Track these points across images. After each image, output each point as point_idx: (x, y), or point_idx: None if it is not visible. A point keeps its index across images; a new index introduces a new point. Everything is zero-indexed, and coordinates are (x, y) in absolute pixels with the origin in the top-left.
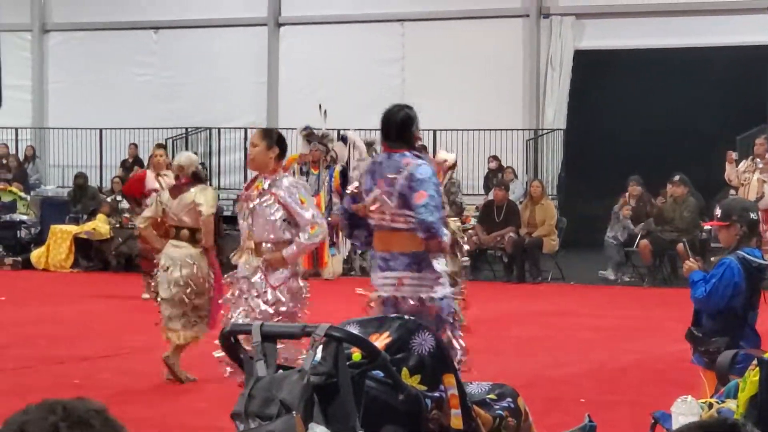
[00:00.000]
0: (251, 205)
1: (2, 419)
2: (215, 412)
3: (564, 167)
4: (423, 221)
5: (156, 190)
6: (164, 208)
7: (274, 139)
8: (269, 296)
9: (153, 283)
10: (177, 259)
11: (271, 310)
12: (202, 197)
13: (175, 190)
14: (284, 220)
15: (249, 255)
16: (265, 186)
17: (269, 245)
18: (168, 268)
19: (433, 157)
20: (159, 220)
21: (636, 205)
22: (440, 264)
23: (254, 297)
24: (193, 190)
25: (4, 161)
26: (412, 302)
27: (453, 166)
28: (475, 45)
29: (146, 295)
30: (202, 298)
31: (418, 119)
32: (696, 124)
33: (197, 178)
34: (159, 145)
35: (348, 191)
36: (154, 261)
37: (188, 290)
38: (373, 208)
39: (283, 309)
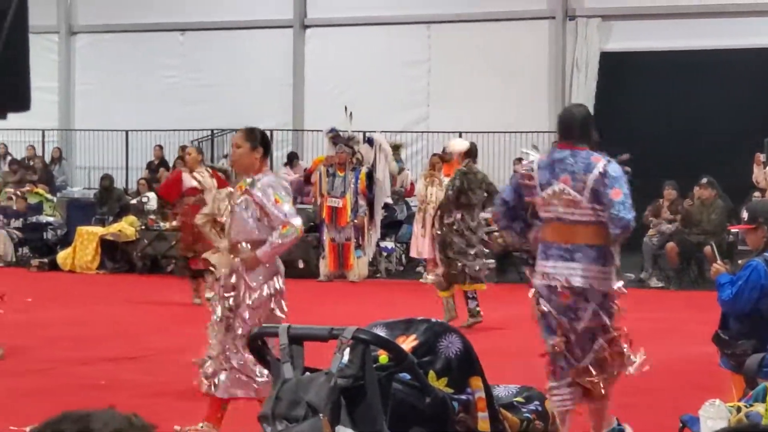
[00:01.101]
0: (230, 206)
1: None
2: (241, 414)
3: None
4: (622, 218)
5: (194, 189)
6: (220, 205)
7: (257, 139)
8: (248, 298)
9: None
10: (223, 266)
11: (246, 314)
12: None
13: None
14: (259, 220)
15: (225, 255)
16: (248, 186)
17: (246, 245)
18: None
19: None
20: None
21: (670, 209)
22: (618, 257)
23: (234, 298)
24: None
25: (31, 163)
26: (597, 293)
27: (470, 154)
28: (501, 47)
29: (198, 300)
30: None
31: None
32: (723, 126)
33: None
34: (181, 146)
35: (513, 185)
36: (201, 262)
37: None
38: (555, 201)
39: (264, 311)
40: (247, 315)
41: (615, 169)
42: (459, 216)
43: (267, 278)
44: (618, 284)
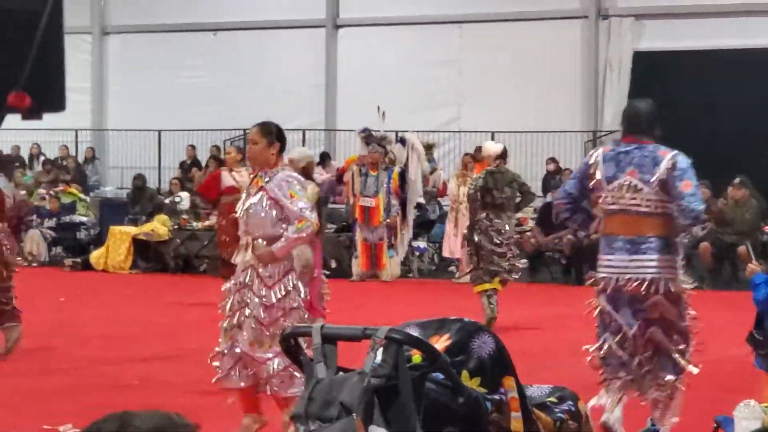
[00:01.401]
0: (248, 202)
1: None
2: (277, 413)
3: None
4: (693, 209)
5: (232, 188)
6: None
7: (274, 134)
8: (264, 295)
9: None
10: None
11: (262, 313)
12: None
13: None
14: (276, 215)
15: (243, 252)
16: (264, 182)
17: (263, 241)
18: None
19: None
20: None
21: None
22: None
23: (250, 296)
24: None
25: (64, 163)
26: (663, 285)
27: (502, 155)
28: (533, 46)
29: None
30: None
31: None
32: (758, 125)
33: (306, 174)
34: (213, 146)
35: (574, 181)
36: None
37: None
38: (621, 194)
39: (278, 309)
40: (261, 312)
41: (684, 161)
42: (484, 215)
43: (282, 275)
44: (683, 277)
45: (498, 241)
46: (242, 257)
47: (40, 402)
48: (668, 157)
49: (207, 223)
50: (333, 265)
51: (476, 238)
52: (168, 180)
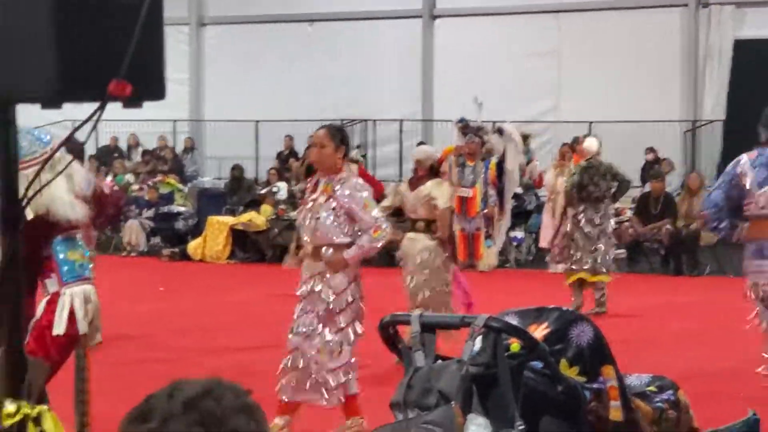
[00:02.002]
0: (317, 210)
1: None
2: (375, 401)
3: (723, 158)
4: None
5: None
6: (402, 198)
7: (340, 138)
8: (332, 303)
9: None
10: (410, 252)
11: (333, 318)
12: (438, 191)
13: (414, 183)
14: (342, 223)
15: (309, 260)
16: (334, 188)
17: (329, 249)
18: (401, 257)
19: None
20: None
21: None
22: None
23: (319, 304)
24: (429, 183)
25: (162, 153)
26: None
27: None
28: (632, 36)
29: None
30: (440, 287)
31: None
32: None
33: (433, 171)
34: (311, 136)
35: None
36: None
37: (424, 280)
38: None
39: (345, 315)
40: (333, 319)
41: None
42: (581, 208)
43: (350, 282)
44: None
45: (593, 235)
46: (307, 265)
47: (139, 390)
48: None
49: None
50: None
51: (570, 230)
52: (265, 170)
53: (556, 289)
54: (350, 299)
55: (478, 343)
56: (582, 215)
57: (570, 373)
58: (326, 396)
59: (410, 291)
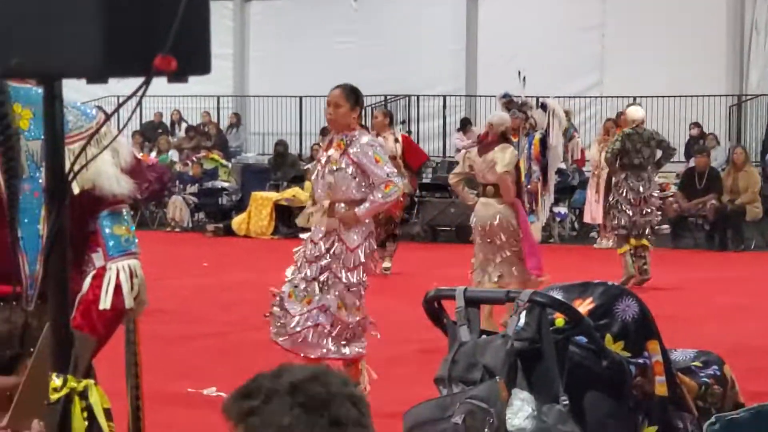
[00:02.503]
0: (332, 165)
1: (204, 382)
2: (417, 380)
3: None
4: None
5: None
6: (471, 164)
7: (355, 98)
8: (346, 258)
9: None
10: (484, 217)
11: (345, 274)
12: (500, 156)
13: (483, 148)
14: (357, 179)
15: (322, 215)
16: (347, 144)
17: (342, 205)
18: (474, 222)
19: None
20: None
21: None
22: None
23: (334, 260)
24: (496, 148)
25: (206, 129)
26: None
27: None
28: (676, 9)
29: (387, 264)
30: (510, 250)
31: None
32: None
33: (504, 137)
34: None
35: None
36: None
37: (498, 244)
38: None
39: (360, 271)
40: (346, 275)
41: None
42: (623, 176)
43: (363, 238)
44: None
45: (636, 201)
46: (320, 220)
47: (184, 366)
48: None
49: None
50: None
51: (615, 200)
52: (309, 146)
53: (601, 264)
54: (362, 257)
55: (523, 317)
56: (624, 184)
57: (615, 348)
58: (332, 348)
59: (481, 256)
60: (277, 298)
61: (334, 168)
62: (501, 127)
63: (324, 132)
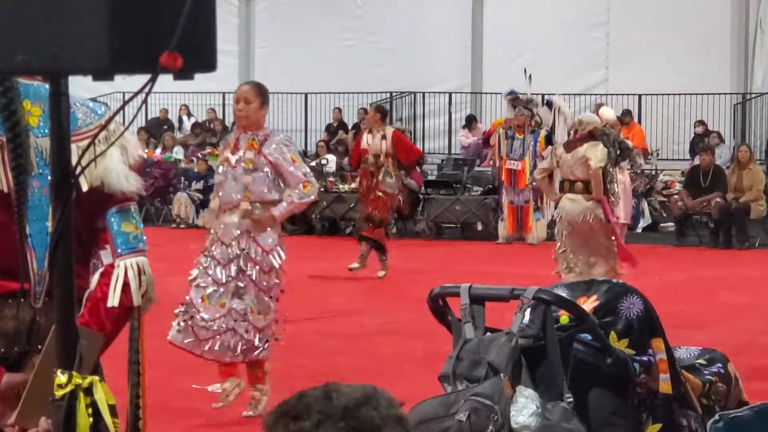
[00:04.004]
0: (248, 165)
1: (209, 379)
2: (422, 377)
3: None
4: None
5: (364, 150)
6: (558, 161)
7: (265, 94)
8: (263, 262)
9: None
10: (572, 212)
11: (259, 277)
12: (592, 152)
13: (570, 145)
14: (273, 179)
15: (233, 217)
16: (260, 144)
17: (257, 205)
18: (561, 217)
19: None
20: None
21: None
22: None
23: (249, 263)
24: (585, 145)
25: (212, 125)
26: None
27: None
28: (682, 8)
29: (355, 266)
30: (599, 244)
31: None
32: None
33: (592, 135)
34: (361, 108)
35: None
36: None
37: (586, 238)
38: None
39: (275, 274)
40: (260, 278)
41: None
42: None
43: (276, 240)
44: None
45: None
46: (234, 221)
47: (189, 362)
48: None
49: (353, 185)
50: (479, 228)
51: None
52: (314, 143)
53: None
54: (278, 259)
55: (528, 315)
56: None
57: (619, 345)
58: (240, 353)
59: (566, 251)
60: (185, 303)
61: (250, 168)
62: (590, 126)
63: (329, 129)
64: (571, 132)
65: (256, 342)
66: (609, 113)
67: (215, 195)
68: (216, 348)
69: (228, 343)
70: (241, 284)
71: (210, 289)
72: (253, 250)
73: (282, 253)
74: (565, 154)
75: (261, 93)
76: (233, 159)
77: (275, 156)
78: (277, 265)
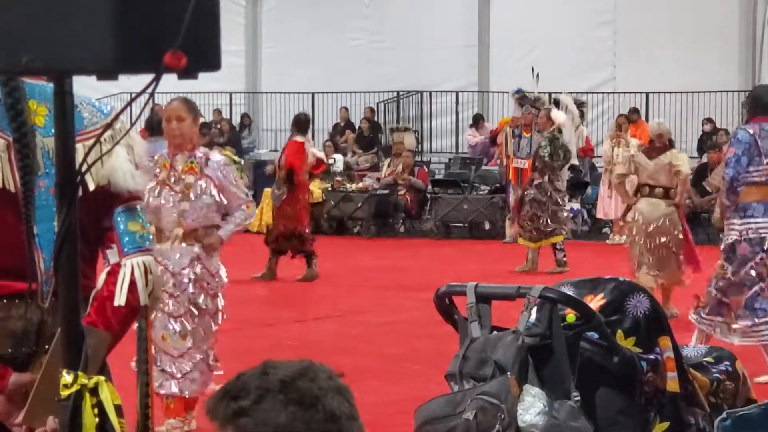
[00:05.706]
0: (189, 192)
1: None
2: (429, 376)
3: None
4: None
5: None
6: (637, 167)
7: (197, 110)
8: (211, 287)
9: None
10: (650, 216)
11: (214, 303)
12: (679, 160)
13: (652, 152)
14: (218, 202)
15: (177, 243)
16: (201, 166)
17: (202, 229)
18: (638, 220)
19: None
20: None
21: None
22: None
23: (200, 290)
24: (668, 153)
25: (218, 126)
26: None
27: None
28: (689, 5)
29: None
30: (669, 249)
31: None
32: None
33: (671, 143)
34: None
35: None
36: None
37: (658, 241)
38: None
39: (219, 298)
40: (207, 303)
41: None
42: (546, 178)
43: (218, 262)
44: None
45: (556, 201)
46: (182, 247)
47: None
48: None
49: (361, 185)
50: (486, 226)
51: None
52: (321, 142)
53: (612, 260)
54: (224, 280)
55: (534, 313)
56: (546, 184)
57: (626, 344)
58: (190, 383)
59: (641, 253)
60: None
61: (192, 195)
62: (668, 135)
63: (336, 128)
64: (654, 140)
65: (203, 365)
66: (560, 116)
67: (153, 221)
68: (192, 384)
69: (200, 376)
70: (195, 313)
71: (169, 326)
72: (201, 275)
73: (223, 276)
74: (646, 161)
75: (192, 108)
76: (176, 186)
77: (219, 178)
78: (219, 289)
